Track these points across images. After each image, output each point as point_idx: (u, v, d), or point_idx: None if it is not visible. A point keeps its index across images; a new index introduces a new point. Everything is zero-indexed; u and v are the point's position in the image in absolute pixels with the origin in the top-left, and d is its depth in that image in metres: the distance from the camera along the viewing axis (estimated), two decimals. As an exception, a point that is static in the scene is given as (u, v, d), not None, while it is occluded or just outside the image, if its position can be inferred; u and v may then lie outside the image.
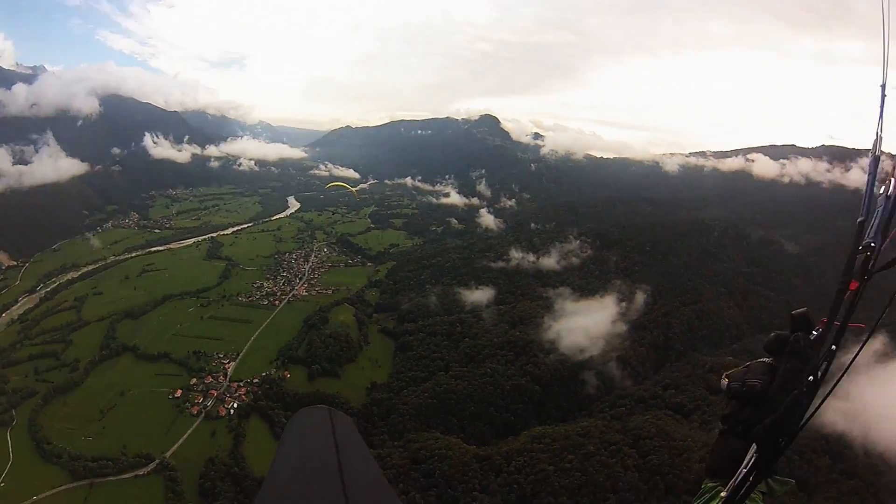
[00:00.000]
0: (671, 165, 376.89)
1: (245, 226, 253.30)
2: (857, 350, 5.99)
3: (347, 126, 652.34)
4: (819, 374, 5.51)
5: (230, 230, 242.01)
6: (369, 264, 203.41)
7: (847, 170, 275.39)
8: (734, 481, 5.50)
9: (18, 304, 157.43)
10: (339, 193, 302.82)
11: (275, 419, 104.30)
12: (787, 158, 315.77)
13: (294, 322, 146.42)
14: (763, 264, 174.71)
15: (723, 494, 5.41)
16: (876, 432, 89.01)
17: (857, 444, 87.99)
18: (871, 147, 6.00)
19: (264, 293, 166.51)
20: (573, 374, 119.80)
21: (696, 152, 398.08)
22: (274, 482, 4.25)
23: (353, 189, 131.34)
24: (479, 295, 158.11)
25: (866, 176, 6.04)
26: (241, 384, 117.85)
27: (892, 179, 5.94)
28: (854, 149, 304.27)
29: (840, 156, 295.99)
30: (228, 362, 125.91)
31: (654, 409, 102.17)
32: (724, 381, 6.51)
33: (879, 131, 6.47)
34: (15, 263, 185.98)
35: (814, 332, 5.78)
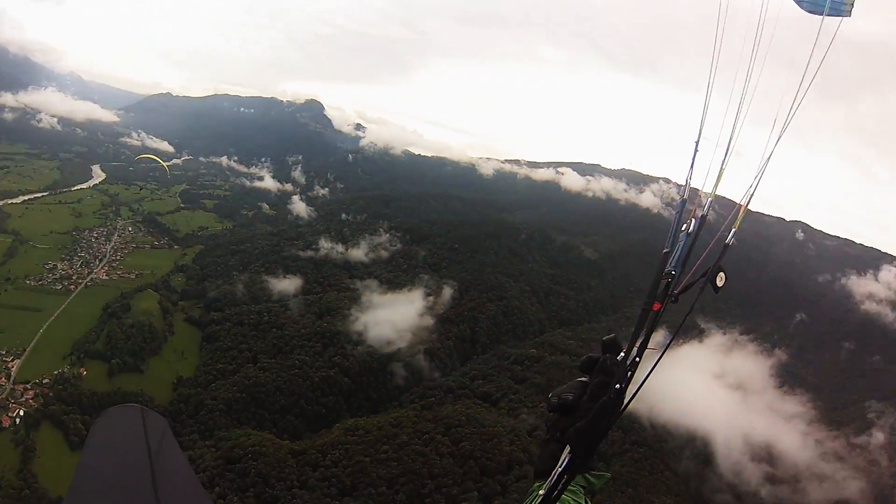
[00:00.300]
0: (487, 169, 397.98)
1: (39, 195, 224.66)
2: (655, 362, 6.30)
3: (168, 93, 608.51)
4: (624, 383, 5.83)
5: (20, 198, 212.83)
6: (176, 247, 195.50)
7: (641, 192, 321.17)
8: (550, 480, 5.71)
9: None
10: (150, 167, 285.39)
11: (71, 426, 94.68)
12: (593, 176, 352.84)
13: (92, 310, 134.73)
14: (564, 267, 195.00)
15: (540, 492, 5.60)
16: (658, 408, 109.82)
17: (644, 419, 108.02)
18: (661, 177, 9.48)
19: (58, 276, 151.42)
20: (382, 365, 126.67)
21: (511, 160, 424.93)
22: (77, 495, 3.71)
23: (165, 164, 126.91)
24: (287, 284, 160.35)
25: (675, 214, 8.88)
26: (29, 386, 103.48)
27: (693, 220, 8.96)
28: (648, 175, 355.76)
29: (636, 180, 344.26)
30: (12, 360, 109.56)
31: (464, 398, 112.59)
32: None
33: (689, 179, 9.58)
34: None
35: (622, 354, 6.10)
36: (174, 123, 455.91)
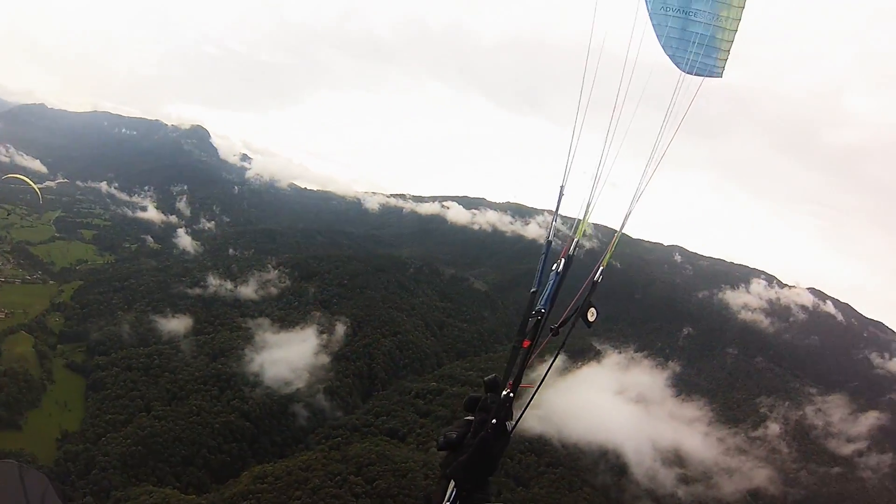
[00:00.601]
0: (372, 203, 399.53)
1: None
2: (530, 397, 8.19)
3: (42, 104, 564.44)
4: (502, 418, 7.25)
5: None
6: (52, 282, 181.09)
7: (526, 223, 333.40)
8: None
9: None
10: (21, 188, 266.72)
11: None
12: (478, 209, 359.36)
13: None
14: (455, 299, 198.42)
15: None
16: (567, 428, 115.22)
17: (554, 441, 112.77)
18: (547, 232, 8.79)
19: None
20: (283, 407, 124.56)
21: (397, 194, 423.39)
22: None
23: (37, 187, 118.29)
24: (177, 324, 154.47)
25: (541, 256, 8.35)
26: None
27: (562, 260, 7.96)
28: (532, 207, 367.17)
29: (521, 212, 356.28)
30: None
31: (370, 436, 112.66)
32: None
33: (554, 222, 8.68)
34: None
35: (504, 391, 7.58)
36: (48, 139, 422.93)
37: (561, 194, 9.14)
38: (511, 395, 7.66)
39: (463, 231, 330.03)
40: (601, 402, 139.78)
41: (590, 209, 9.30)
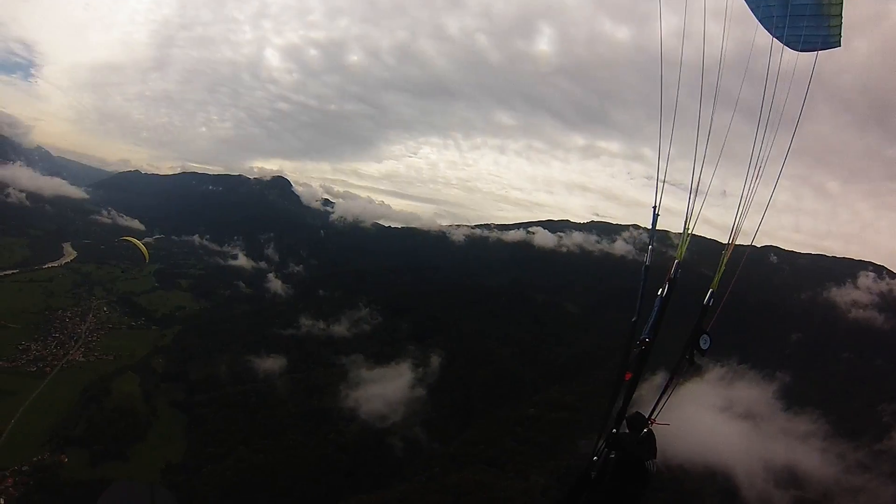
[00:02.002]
0: (458, 236, 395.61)
1: (9, 272, 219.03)
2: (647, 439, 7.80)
3: (137, 170, 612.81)
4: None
5: None
6: (154, 327, 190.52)
7: (613, 241, 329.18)
8: None
9: None
10: (125, 246, 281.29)
11: None
12: (564, 232, 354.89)
13: (69, 393, 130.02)
14: (548, 324, 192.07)
15: None
16: (669, 450, 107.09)
17: (659, 463, 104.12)
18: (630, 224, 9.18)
19: (32, 357, 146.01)
20: (379, 440, 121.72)
21: (482, 225, 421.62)
22: None
23: (145, 249, 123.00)
24: (272, 363, 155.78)
25: (641, 281, 7.98)
26: (8, 473, 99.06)
27: (667, 283, 7.74)
28: (617, 224, 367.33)
29: (606, 230, 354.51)
30: None
31: (468, 466, 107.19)
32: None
33: (651, 245, 8.54)
34: None
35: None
36: (144, 201, 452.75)
37: (655, 215, 8.61)
38: (615, 430, 7.45)
39: (551, 255, 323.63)
40: (705, 419, 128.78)
41: (689, 227, 8.74)
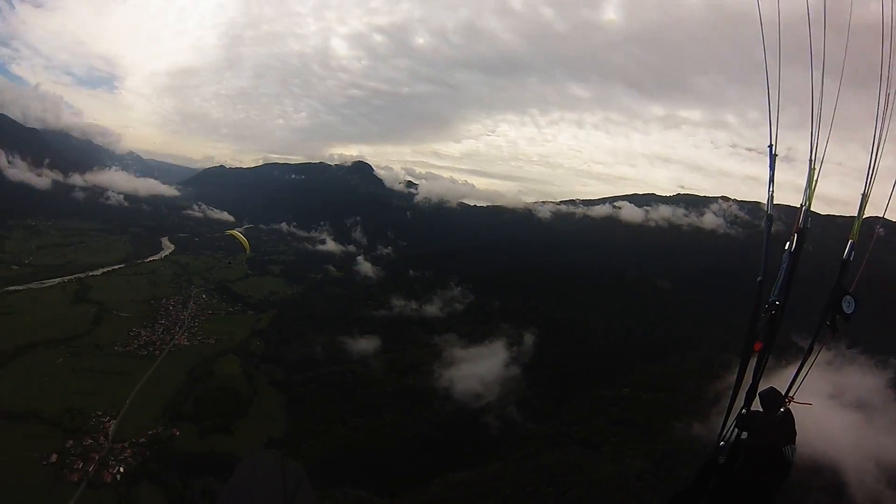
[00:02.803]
0: (543, 213, 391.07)
1: (116, 267, 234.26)
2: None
3: (221, 165, 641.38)
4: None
5: (100, 270, 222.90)
6: (251, 312, 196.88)
7: (701, 214, 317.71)
8: None
9: None
10: (217, 237, 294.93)
11: (168, 484, 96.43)
12: (650, 206, 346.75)
13: (177, 374, 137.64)
14: (639, 301, 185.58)
15: None
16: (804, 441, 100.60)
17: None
18: (765, 206, 7.41)
19: (143, 342, 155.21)
20: (474, 418, 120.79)
21: (567, 201, 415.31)
22: None
23: (246, 241, 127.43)
24: (365, 344, 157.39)
25: (764, 234, 7.17)
26: (126, 445, 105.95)
27: (794, 235, 6.93)
28: (704, 196, 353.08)
29: (694, 203, 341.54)
30: (109, 420, 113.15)
31: (563, 445, 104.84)
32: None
33: (771, 191, 7.52)
34: None
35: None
36: (231, 193, 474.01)
37: (772, 154, 7.14)
38: (743, 411, 6.38)
39: (638, 230, 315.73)
40: (811, 408, 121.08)
41: (816, 170, 7.30)
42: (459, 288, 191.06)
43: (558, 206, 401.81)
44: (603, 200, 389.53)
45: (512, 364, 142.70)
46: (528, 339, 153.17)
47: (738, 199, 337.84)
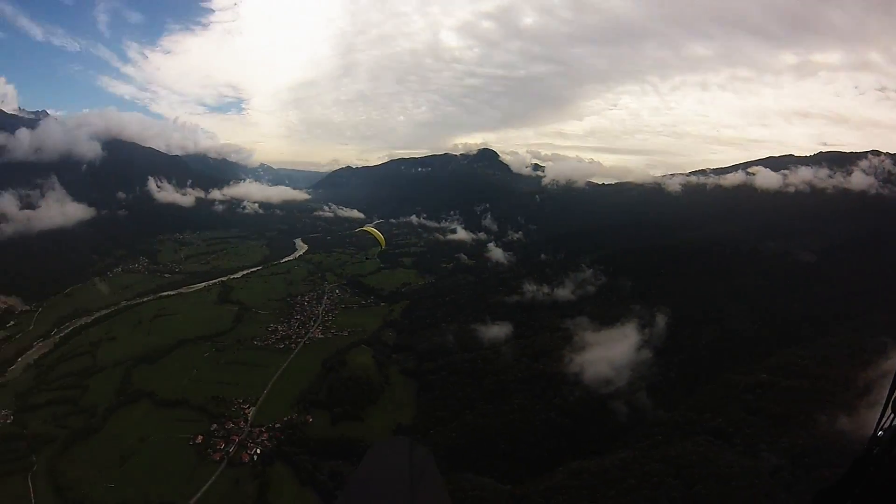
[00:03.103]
0: (672, 186, 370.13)
1: (254, 269, 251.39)
2: None
3: (348, 166, 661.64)
4: None
5: (240, 273, 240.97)
6: (383, 304, 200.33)
7: (848, 174, 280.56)
8: None
9: (34, 349, 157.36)
10: (347, 234, 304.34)
11: (300, 465, 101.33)
12: (787, 169, 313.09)
13: (312, 365, 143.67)
14: (780, 276, 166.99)
15: None
16: None
17: None
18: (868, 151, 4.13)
19: (279, 336, 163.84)
20: (602, 404, 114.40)
21: (697, 171, 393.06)
22: None
23: (382, 239, 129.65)
24: (497, 330, 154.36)
25: None
26: (263, 429, 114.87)
27: None
28: (851, 153, 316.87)
29: (838, 161, 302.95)
30: (248, 407, 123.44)
31: (692, 435, 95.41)
32: None
33: None
34: (28, 308, 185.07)
35: None
36: (359, 192, 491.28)
37: None
38: None
39: (776, 197, 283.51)
40: None
41: None
42: (591, 270, 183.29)
43: (688, 178, 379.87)
44: (735, 167, 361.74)
45: (643, 347, 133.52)
46: (660, 320, 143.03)
47: (892, 153, 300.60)
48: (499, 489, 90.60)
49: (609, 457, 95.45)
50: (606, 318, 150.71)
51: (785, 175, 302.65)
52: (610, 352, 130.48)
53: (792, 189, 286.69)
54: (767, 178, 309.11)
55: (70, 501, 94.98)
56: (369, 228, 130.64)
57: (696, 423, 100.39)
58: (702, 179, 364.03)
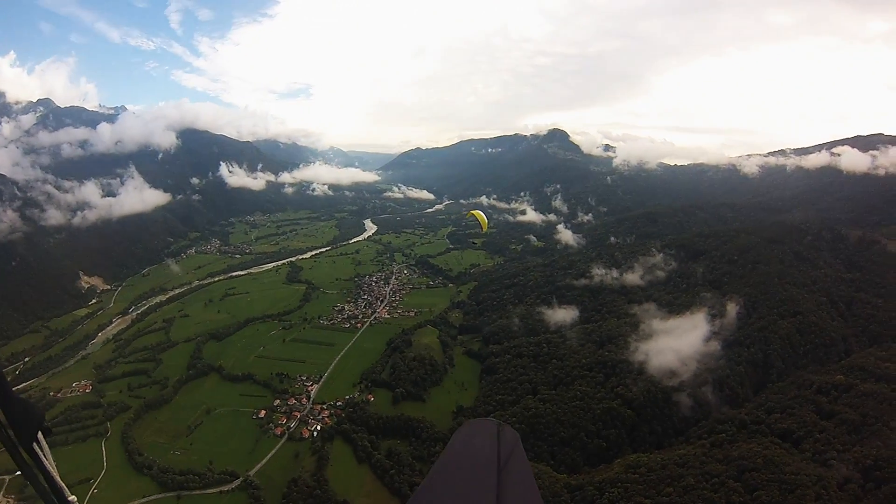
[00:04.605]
0: (749, 167, 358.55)
1: (323, 249, 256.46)
2: None
3: (418, 147, 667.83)
4: None
5: (309, 254, 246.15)
6: (451, 285, 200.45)
7: None
8: None
9: (113, 324, 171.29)
10: (416, 214, 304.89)
11: (359, 442, 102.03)
12: (877, 149, 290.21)
13: (377, 345, 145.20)
14: (866, 268, 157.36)
15: None
16: None
17: None
18: None
19: (346, 316, 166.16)
20: (666, 396, 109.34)
21: (776, 151, 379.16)
22: (430, 488, 4.45)
23: (485, 222, 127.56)
24: (563, 314, 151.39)
25: None
26: (325, 406, 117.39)
27: None
28: None
29: None
30: (311, 384, 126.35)
31: (758, 436, 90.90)
32: None
33: None
34: (108, 287, 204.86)
35: None
36: (429, 173, 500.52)
37: None
38: None
39: (863, 181, 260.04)
40: None
41: None
42: (661, 254, 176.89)
43: (766, 159, 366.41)
44: (818, 147, 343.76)
45: (712, 338, 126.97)
46: (731, 310, 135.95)
47: None
48: (555, 477, 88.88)
49: (668, 452, 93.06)
50: (675, 305, 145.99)
51: (874, 156, 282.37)
52: (677, 341, 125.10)
53: (882, 171, 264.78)
54: (854, 159, 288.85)
55: (139, 466, 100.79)
56: (476, 212, 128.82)
57: (763, 423, 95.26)
58: (781, 160, 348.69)
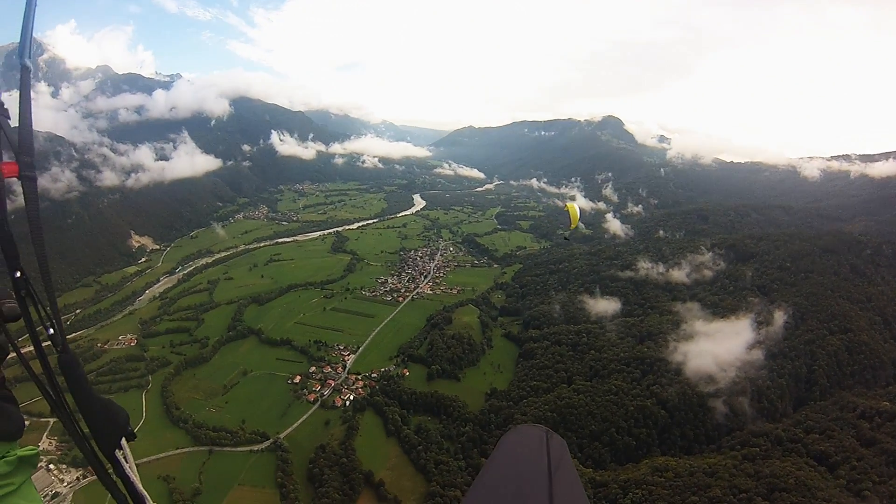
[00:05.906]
0: (810, 171, 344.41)
1: (370, 221, 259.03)
2: None
3: (470, 126, 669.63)
4: None
5: (355, 225, 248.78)
6: (496, 266, 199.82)
7: None
8: None
9: (160, 283, 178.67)
10: (465, 192, 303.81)
11: (389, 416, 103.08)
12: None
13: (417, 320, 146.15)
14: None
15: None
16: None
17: None
18: None
19: (388, 289, 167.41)
20: (701, 401, 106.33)
21: (840, 156, 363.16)
22: (480, 493, 4.40)
23: (576, 217, 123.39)
24: (605, 305, 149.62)
25: None
26: (359, 377, 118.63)
27: None
28: None
29: None
30: (348, 354, 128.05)
31: (793, 455, 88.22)
32: None
33: None
34: (158, 247, 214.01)
35: None
36: (480, 152, 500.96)
37: None
38: None
39: None
40: None
41: None
42: (710, 253, 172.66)
43: (828, 163, 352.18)
44: (887, 154, 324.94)
45: (755, 347, 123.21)
46: (779, 318, 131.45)
47: None
48: (581, 471, 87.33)
49: (698, 459, 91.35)
50: (720, 307, 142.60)
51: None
52: (718, 346, 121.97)
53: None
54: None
55: (175, 419, 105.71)
56: (571, 205, 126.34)
57: (799, 441, 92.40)
58: (845, 166, 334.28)
